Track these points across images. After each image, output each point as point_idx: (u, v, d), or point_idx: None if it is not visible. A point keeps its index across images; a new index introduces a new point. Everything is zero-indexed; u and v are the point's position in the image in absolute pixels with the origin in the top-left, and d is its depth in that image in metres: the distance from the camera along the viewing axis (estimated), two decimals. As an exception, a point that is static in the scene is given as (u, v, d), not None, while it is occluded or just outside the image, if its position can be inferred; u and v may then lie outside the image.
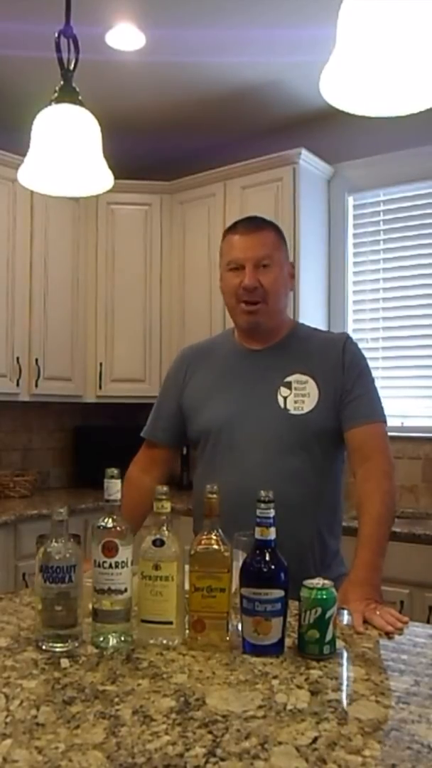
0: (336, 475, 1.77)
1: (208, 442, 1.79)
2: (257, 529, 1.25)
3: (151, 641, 1.26)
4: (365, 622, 1.38)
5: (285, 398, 1.72)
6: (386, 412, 1.75)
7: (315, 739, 0.90)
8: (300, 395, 1.71)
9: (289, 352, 1.79)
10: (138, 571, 1.27)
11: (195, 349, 1.96)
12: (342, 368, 1.73)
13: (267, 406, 1.72)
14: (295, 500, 1.61)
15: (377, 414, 1.73)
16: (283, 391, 1.72)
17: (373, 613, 1.40)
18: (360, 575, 1.53)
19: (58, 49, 1.58)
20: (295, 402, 1.71)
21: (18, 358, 3.45)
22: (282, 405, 1.71)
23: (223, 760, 0.85)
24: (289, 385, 1.73)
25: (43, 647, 1.23)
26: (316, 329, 1.91)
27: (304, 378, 1.73)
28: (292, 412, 1.70)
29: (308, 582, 1.24)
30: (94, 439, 3.99)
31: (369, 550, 1.56)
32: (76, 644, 1.24)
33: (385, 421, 1.74)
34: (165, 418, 1.91)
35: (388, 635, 1.33)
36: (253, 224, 1.78)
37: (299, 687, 1.08)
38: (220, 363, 1.86)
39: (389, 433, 1.74)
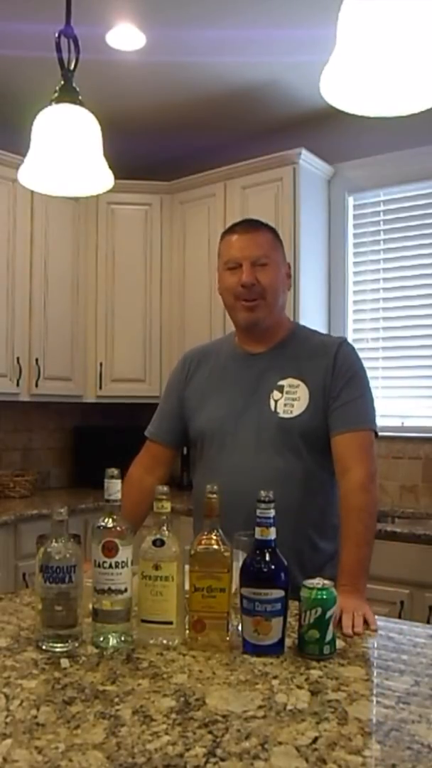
0: (327, 478, 1.74)
1: (204, 444, 1.82)
2: (257, 529, 1.25)
3: (151, 641, 1.26)
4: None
5: (276, 401, 1.73)
6: (386, 412, 1.72)
7: (315, 739, 0.90)
8: (291, 399, 1.72)
9: (284, 356, 1.79)
10: (138, 571, 1.27)
11: (197, 351, 1.98)
12: (332, 373, 1.72)
13: (258, 409, 1.73)
14: (283, 502, 1.60)
15: (362, 422, 1.69)
16: (276, 394, 1.74)
17: (349, 614, 1.38)
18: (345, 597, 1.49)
19: (59, 49, 1.58)
20: (285, 405, 1.71)
21: (18, 358, 3.45)
22: (273, 408, 1.72)
23: (223, 760, 0.85)
24: (281, 389, 1.74)
25: (43, 647, 1.23)
26: (314, 332, 1.91)
27: (296, 382, 1.73)
28: (282, 415, 1.71)
29: (308, 582, 1.24)
30: (94, 439, 3.99)
31: (350, 575, 1.54)
32: (76, 644, 1.24)
33: (372, 429, 1.70)
34: (168, 418, 1.93)
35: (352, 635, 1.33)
36: (250, 225, 1.82)
37: (299, 687, 1.08)
38: (218, 366, 1.88)
39: (389, 434, 1.72)
